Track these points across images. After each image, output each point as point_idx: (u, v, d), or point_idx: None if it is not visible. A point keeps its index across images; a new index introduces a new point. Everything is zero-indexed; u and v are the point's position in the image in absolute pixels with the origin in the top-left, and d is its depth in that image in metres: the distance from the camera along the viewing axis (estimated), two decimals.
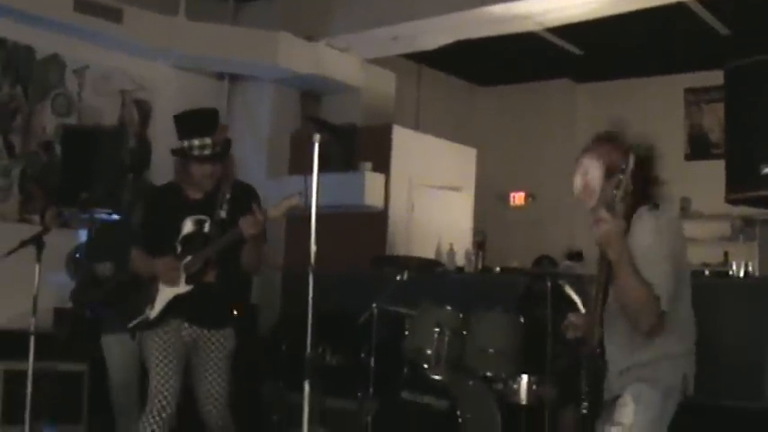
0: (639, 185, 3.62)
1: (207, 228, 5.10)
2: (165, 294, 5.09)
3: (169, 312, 5.07)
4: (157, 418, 4.91)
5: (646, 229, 3.66)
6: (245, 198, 5.10)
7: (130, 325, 5.18)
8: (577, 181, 3.84)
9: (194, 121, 5.09)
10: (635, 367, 3.75)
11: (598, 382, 3.75)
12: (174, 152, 5.12)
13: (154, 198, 5.50)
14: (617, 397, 3.75)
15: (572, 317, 4.15)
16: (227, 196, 5.12)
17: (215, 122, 5.18)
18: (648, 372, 3.73)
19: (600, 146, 3.84)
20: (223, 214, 5.08)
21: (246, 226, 4.82)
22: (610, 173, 3.67)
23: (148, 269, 5.17)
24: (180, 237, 5.13)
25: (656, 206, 3.72)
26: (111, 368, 6.51)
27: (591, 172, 3.78)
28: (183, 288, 5.06)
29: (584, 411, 3.82)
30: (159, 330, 5.07)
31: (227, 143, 5.20)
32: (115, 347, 6.35)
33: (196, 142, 4.98)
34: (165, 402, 4.93)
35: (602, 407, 3.78)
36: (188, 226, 5.13)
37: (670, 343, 3.74)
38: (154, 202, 5.46)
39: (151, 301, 5.10)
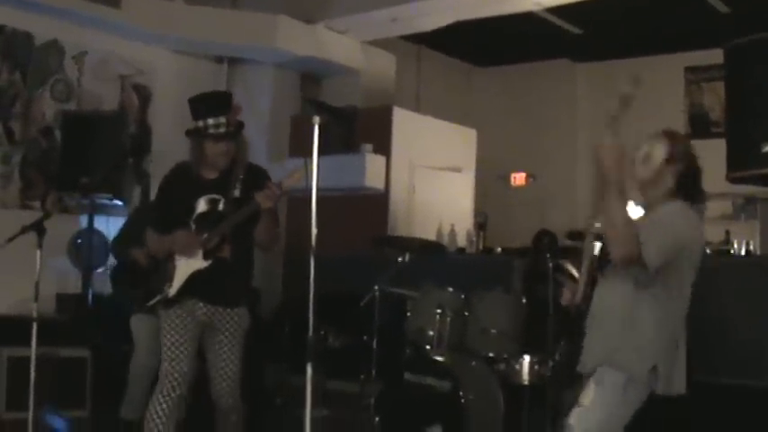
0: (682, 183, 3.94)
1: (221, 206, 5.15)
2: (183, 271, 5.14)
3: (188, 289, 5.12)
4: (167, 397, 5.00)
5: (668, 208, 3.88)
6: (258, 179, 5.17)
7: (150, 303, 5.25)
8: (643, 149, 4.01)
9: (209, 102, 5.19)
10: (606, 349, 3.81)
11: (574, 345, 3.84)
12: (189, 132, 5.20)
13: (167, 181, 5.52)
14: (587, 376, 3.84)
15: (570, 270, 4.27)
16: (241, 176, 5.18)
17: (229, 103, 5.32)
18: (614, 354, 3.82)
19: (667, 136, 4.04)
20: (237, 193, 5.13)
21: (263, 199, 4.90)
22: (668, 161, 3.92)
23: (164, 246, 5.23)
24: (194, 216, 5.17)
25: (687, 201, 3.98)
26: (139, 349, 6.56)
27: (656, 151, 3.97)
28: (201, 263, 5.12)
29: (548, 374, 3.93)
30: (173, 312, 5.12)
31: (240, 124, 5.31)
32: (144, 328, 6.43)
33: (211, 121, 5.09)
34: (175, 383, 5.01)
35: (575, 381, 3.87)
36: (202, 205, 5.18)
37: (644, 332, 3.79)
38: (167, 186, 5.48)
39: (169, 279, 5.15)
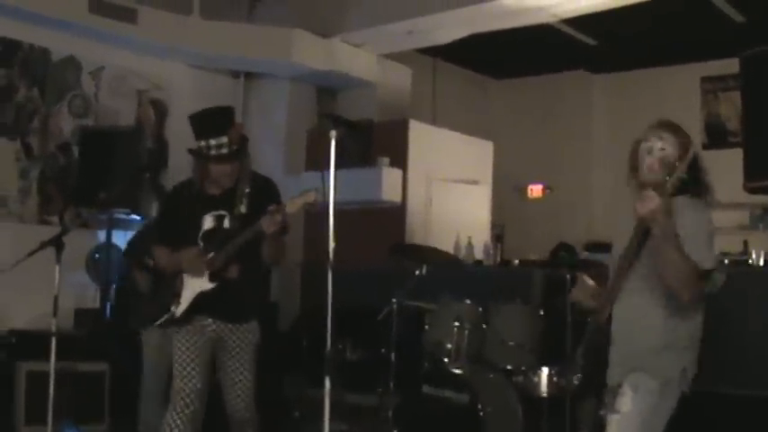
0: (691, 177, 3.77)
1: (227, 223, 5.10)
2: (190, 291, 5.09)
3: (195, 310, 5.08)
4: (181, 414, 4.94)
5: (691, 209, 3.81)
6: (265, 192, 5.13)
7: (157, 323, 5.20)
8: (656, 145, 3.93)
9: (209, 121, 5.07)
10: (637, 353, 3.80)
11: (597, 356, 3.82)
12: (192, 152, 5.12)
13: (172, 195, 5.50)
14: (619, 385, 3.81)
15: (586, 279, 4.21)
16: (247, 190, 5.11)
17: (230, 120, 5.16)
18: (649, 360, 3.79)
19: (674, 130, 3.99)
20: (243, 209, 5.07)
21: (267, 224, 4.81)
22: (680, 157, 3.81)
23: (173, 264, 5.17)
24: (201, 233, 5.12)
25: (696, 195, 3.89)
26: (146, 370, 6.51)
27: (670, 148, 3.91)
28: (207, 285, 5.06)
29: (576, 382, 3.89)
30: (183, 329, 5.08)
31: (243, 140, 5.16)
32: (151, 345, 6.39)
33: (213, 142, 4.98)
34: (188, 400, 4.95)
35: (606, 393, 3.85)
36: (208, 222, 5.13)
37: (677, 334, 3.79)
38: (173, 199, 5.47)
39: (176, 297, 5.10)
